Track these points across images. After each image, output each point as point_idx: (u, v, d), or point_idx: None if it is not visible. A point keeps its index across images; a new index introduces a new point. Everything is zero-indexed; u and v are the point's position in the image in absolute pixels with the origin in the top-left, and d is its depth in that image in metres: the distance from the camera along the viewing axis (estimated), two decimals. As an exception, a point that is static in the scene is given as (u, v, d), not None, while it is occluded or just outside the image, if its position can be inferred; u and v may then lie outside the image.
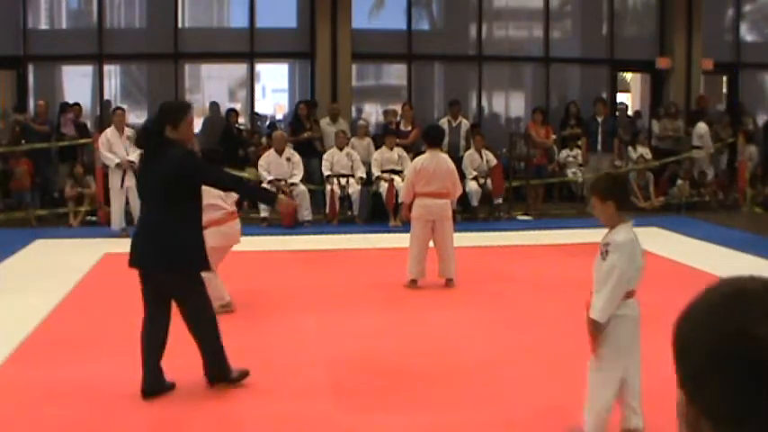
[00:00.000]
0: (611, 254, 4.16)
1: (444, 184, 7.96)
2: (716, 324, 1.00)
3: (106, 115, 14.16)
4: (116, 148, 10.92)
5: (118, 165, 10.84)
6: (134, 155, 10.93)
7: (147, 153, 5.08)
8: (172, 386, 5.00)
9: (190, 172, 4.89)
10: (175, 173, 4.82)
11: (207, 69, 15.59)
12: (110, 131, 11.10)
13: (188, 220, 4.90)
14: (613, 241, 4.19)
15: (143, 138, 5.25)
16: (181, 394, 5.01)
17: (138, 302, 5.04)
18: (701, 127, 13.94)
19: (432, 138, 8.23)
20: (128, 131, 11.22)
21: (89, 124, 13.58)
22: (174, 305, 5.00)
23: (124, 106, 12.64)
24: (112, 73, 14.92)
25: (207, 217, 5.50)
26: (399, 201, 10.70)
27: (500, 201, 12.64)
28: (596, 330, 4.16)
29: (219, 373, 5.04)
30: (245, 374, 5.12)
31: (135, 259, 4.94)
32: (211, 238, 5.73)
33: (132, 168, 10.90)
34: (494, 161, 12.61)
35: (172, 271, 4.89)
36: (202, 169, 5.07)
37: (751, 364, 0.96)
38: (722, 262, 8.80)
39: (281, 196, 6.12)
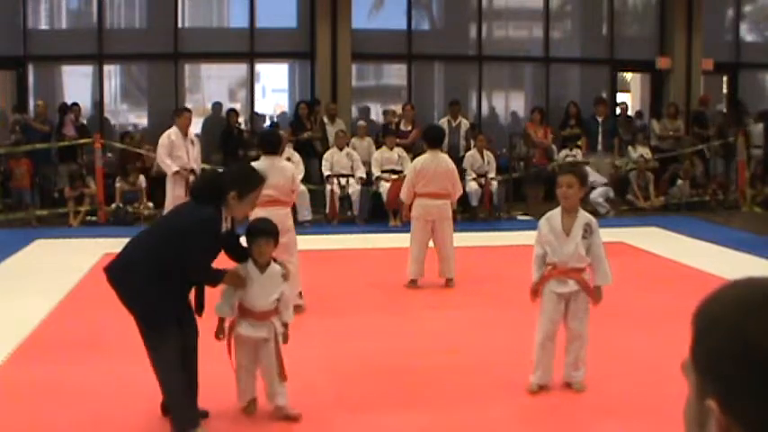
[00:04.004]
0: (595, 232, 5.00)
1: (444, 185, 7.96)
2: (753, 333, 0.96)
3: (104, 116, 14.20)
4: (179, 152, 9.93)
5: (176, 172, 9.77)
6: (196, 164, 10.10)
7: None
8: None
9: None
10: None
11: (207, 69, 15.58)
12: (173, 133, 10.10)
13: None
14: (592, 222, 5.05)
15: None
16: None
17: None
18: (757, 127, 13.96)
19: (431, 138, 8.23)
20: (191, 135, 10.24)
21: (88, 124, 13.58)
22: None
23: (122, 106, 12.38)
24: (112, 73, 14.92)
25: None
26: (400, 200, 10.71)
27: (501, 201, 12.66)
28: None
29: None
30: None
31: None
32: None
33: (195, 177, 9.80)
34: (494, 162, 12.62)
35: None
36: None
37: None
38: (722, 262, 8.80)
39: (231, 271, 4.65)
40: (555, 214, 5.07)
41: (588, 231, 5.00)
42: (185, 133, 10.12)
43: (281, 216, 6.96)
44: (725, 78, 16.51)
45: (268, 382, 4.72)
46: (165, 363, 4.36)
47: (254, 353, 4.73)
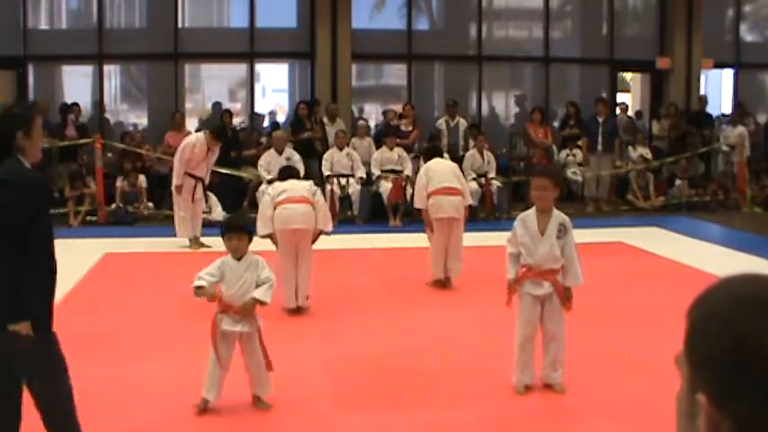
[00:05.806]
0: (569, 231, 5.00)
1: (454, 181, 7.99)
2: (746, 331, 0.96)
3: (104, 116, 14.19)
4: (197, 162, 9.77)
5: (178, 186, 9.73)
6: (207, 171, 10.05)
7: None
8: None
9: None
10: None
11: (207, 69, 15.59)
12: (199, 143, 9.74)
13: None
14: (566, 221, 5.02)
15: None
16: (179, 393, 5.01)
17: (139, 302, 5.03)
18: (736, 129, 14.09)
19: (431, 155, 8.48)
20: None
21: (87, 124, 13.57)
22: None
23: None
24: (112, 73, 14.93)
25: None
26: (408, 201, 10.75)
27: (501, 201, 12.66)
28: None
29: None
30: None
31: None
32: None
33: (203, 185, 9.95)
34: (494, 162, 12.62)
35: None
36: None
37: None
38: (722, 262, 8.80)
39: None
40: (530, 214, 5.09)
41: (563, 231, 5.01)
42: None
43: (305, 215, 6.92)
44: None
45: (255, 375, 4.78)
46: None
47: (233, 348, 4.76)
